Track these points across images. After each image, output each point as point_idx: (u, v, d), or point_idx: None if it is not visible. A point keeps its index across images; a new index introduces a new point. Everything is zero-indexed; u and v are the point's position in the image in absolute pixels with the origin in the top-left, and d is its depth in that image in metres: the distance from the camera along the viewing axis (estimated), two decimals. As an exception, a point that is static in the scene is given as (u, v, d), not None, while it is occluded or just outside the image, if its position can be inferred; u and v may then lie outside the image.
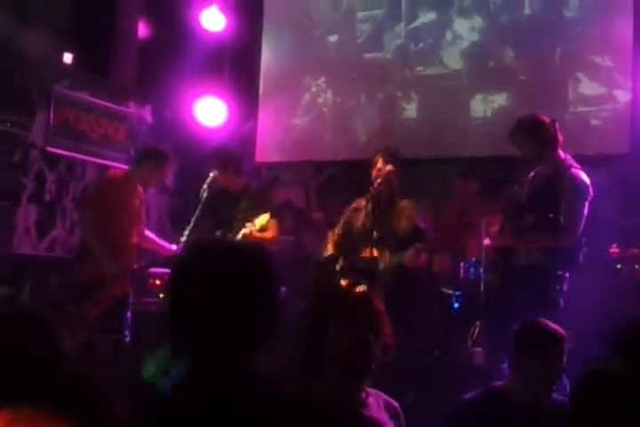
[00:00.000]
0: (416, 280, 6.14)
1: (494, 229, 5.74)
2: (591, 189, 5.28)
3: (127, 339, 6.19)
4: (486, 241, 5.78)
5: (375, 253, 6.02)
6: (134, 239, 6.35)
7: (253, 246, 2.11)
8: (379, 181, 6.10)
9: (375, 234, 6.04)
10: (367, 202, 6.23)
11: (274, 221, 6.44)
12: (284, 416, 1.83)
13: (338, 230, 6.45)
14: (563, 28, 7.84)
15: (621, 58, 7.54)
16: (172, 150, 9.20)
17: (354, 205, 6.44)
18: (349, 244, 6.27)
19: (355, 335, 2.85)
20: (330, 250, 6.38)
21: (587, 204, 5.25)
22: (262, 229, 6.20)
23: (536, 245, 5.27)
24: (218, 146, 7.56)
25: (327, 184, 6.68)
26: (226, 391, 1.86)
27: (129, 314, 6.24)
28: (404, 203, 6.25)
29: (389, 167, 6.14)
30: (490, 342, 5.71)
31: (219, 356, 1.91)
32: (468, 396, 3.52)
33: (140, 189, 6.50)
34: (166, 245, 6.58)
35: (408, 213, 6.22)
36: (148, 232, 6.62)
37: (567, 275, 5.29)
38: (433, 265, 6.67)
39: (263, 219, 6.16)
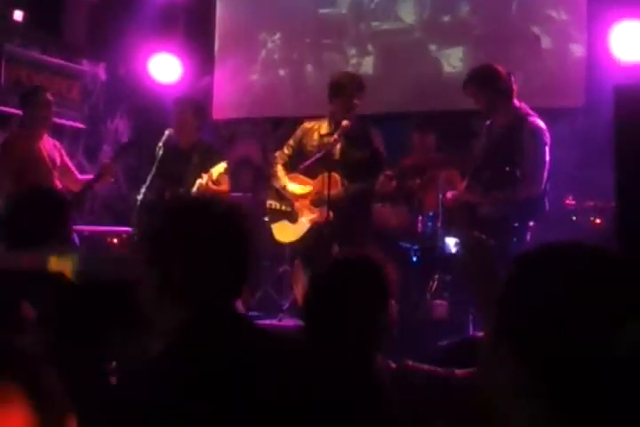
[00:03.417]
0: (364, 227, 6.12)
1: (461, 186, 5.78)
2: (548, 134, 5.35)
3: None
4: (448, 196, 5.81)
5: (337, 178, 5.93)
6: (56, 184, 6.33)
7: (225, 201, 2.22)
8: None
9: (334, 157, 5.92)
10: (323, 123, 6.14)
11: (226, 176, 6.40)
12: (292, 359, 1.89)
13: (287, 150, 6.31)
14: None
15: (576, 12, 7.56)
16: (127, 108, 9.18)
17: (306, 125, 6.28)
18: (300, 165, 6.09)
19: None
20: (279, 171, 6.26)
21: (547, 149, 5.32)
22: (219, 180, 6.18)
23: (505, 199, 5.31)
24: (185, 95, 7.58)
25: (285, 140, 6.63)
26: (233, 336, 1.89)
27: None
28: (369, 129, 6.19)
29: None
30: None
31: (213, 304, 1.93)
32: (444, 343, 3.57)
33: (45, 137, 6.53)
34: (85, 177, 6.65)
35: (369, 137, 6.13)
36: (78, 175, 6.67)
37: (532, 224, 5.37)
38: (390, 219, 6.68)
39: (221, 167, 6.13)
